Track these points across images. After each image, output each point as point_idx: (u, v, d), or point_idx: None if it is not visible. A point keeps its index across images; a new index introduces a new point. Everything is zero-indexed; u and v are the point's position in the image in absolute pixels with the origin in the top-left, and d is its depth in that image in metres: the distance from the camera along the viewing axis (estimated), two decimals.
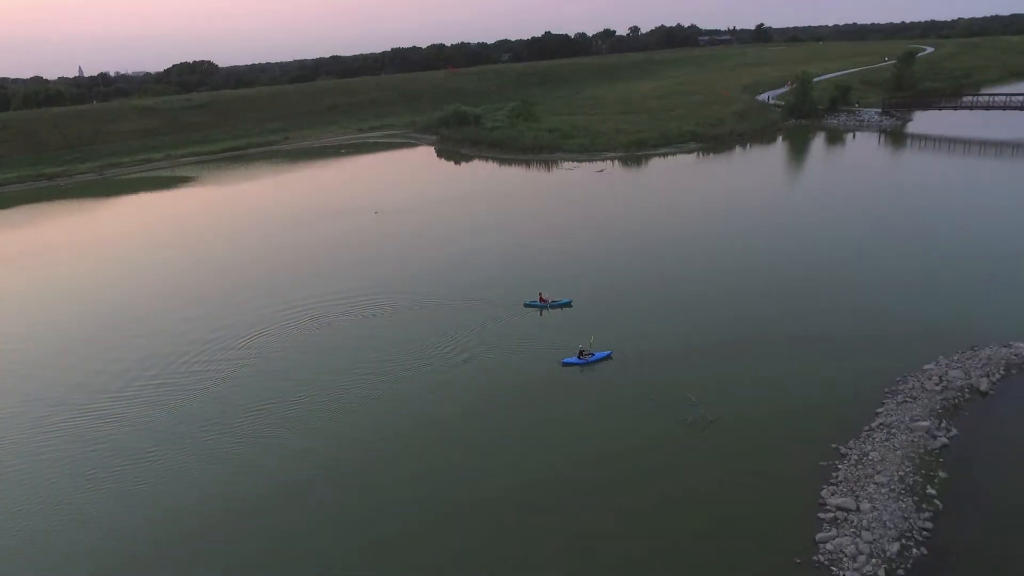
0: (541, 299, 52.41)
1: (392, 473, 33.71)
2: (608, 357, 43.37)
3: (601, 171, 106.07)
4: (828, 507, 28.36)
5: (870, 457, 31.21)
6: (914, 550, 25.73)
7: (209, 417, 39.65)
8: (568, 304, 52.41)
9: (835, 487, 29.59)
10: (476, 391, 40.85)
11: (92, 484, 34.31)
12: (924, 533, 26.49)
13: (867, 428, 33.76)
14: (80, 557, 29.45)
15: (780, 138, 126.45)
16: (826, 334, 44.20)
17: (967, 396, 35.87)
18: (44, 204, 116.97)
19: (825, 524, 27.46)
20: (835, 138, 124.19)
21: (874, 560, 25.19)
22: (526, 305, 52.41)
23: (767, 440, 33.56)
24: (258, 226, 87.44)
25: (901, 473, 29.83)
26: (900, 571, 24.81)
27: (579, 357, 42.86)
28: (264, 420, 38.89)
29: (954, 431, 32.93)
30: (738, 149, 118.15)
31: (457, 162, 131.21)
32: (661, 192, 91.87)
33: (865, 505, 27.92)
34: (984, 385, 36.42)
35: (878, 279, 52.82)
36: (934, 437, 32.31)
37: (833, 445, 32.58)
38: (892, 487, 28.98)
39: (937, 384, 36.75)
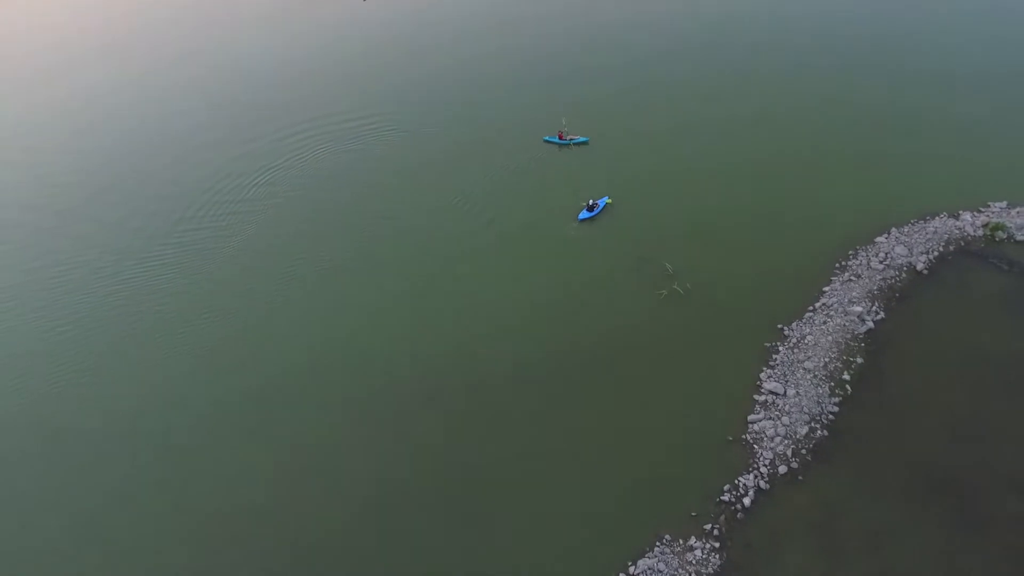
0: (560, 136, 56.24)
1: None
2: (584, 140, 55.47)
3: None
4: (762, 391, 35.79)
5: (806, 341, 37.92)
6: (819, 432, 33.83)
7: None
8: (585, 142, 56.29)
9: (772, 370, 36.73)
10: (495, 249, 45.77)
11: None
12: (830, 417, 34.40)
13: (811, 309, 39.87)
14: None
15: None
16: (796, 201, 47.55)
17: (903, 276, 41.43)
18: None
19: (757, 407, 35.15)
20: None
21: (786, 441, 33.41)
22: (545, 140, 56.70)
23: (723, 317, 39.76)
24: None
25: (826, 359, 36.84)
26: (803, 450, 33.15)
27: (588, 210, 48.81)
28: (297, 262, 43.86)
29: (881, 315, 39.21)
30: None
31: None
32: None
33: (791, 391, 35.38)
34: (921, 264, 41.75)
35: (849, 141, 53.51)
36: (863, 322, 38.71)
37: (779, 326, 38.97)
38: (816, 373, 36.20)
39: (881, 263, 42.03)
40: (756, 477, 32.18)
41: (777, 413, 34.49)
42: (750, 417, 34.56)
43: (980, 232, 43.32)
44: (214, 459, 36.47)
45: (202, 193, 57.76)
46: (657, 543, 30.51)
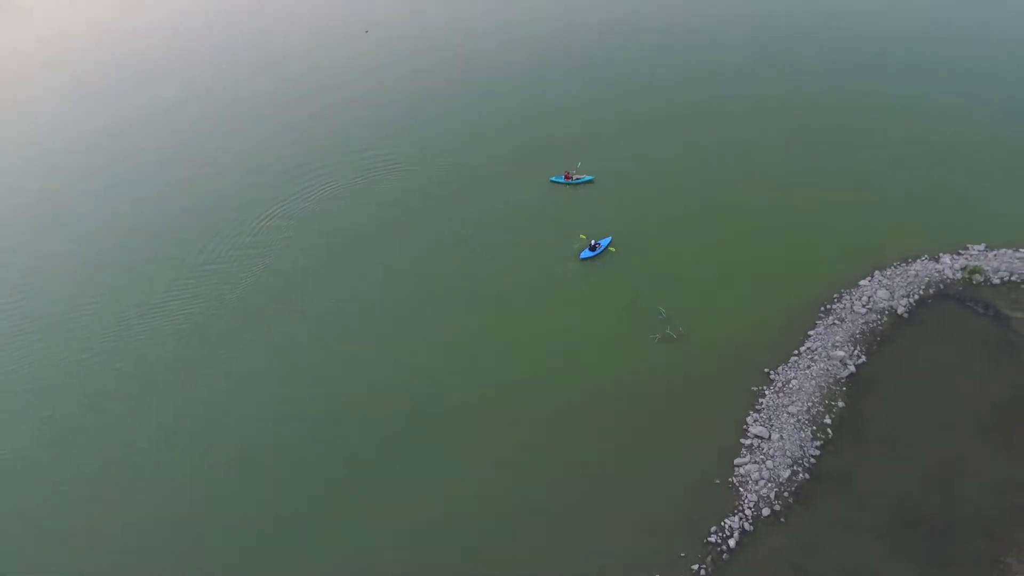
0: (567, 177, 58.85)
1: None
2: (590, 178, 59.16)
3: None
4: (749, 434, 38.11)
5: (791, 385, 40.22)
6: (800, 475, 36.13)
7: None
8: (591, 180, 59.08)
9: (758, 414, 39.03)
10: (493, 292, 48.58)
11: None
12: (811, 460, 36.68)
13: (796, 352, 42.16)
14: None
15: None
16: (785, 243, 49.93)
17: (885, 319, 43.70)
18: None
19: (743, 450, 37.46)
20: None
21: (770, 484, 35.72)
22: (552, 181, 59.27)
23: (713, 360, 42.06)
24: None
25: (809, 404, 39.13)
26: (785, 493, 35.45)
27: (590, 250, 51.45)
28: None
29: (863, 359, 41.48)
30: None
31: None
32: None
33: (775, 435, 37.68)
34: (901, 308, 44.02)
35: (835, 182, 55.86)
36: (845, 366, 40.98)
37: (766, 370, 41.28)
38: (799, 417, 38.49)
39: (864, 306, 44.31)
40: (741, 519, 34.48)
41: (762, 457, 36.80)
42: (736, 460, 36.87)
43: (959, 275, 45.52)
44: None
45: (211, 238, 60.30)
46: None
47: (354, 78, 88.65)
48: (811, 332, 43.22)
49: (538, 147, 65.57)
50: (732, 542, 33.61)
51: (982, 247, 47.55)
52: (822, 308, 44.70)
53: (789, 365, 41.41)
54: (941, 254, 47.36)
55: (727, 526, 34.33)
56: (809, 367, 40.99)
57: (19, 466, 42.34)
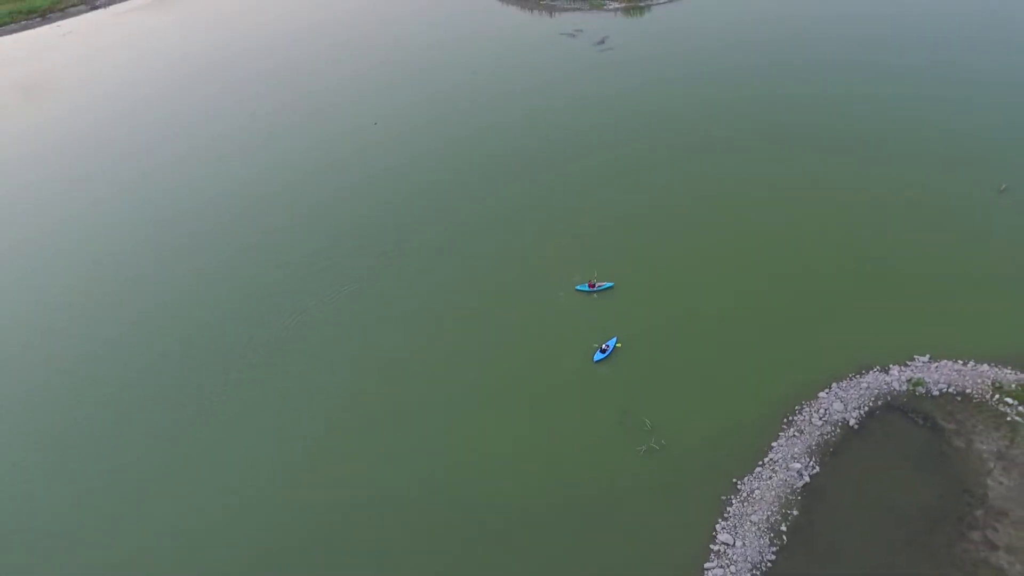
0: (591, 285, 66.45)
1: None
2: (610, 285, 66.60)
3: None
4: (717, 541, 45.87)
5: (754, 495, 47.91)
6: None
7: None
8: (611, 287, 66.63)
9: (725, 522, 46.73)
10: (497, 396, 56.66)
11: None
12: (768, 565, 44.35)
13: (760, 463, 49.79)
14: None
15: None
16: (757, 353, 57.41)
17: (838, 431, 51.16)
18: None
19: (712, 555, 45.19)
20: None
21: None
22: (577, 289, 66.75)
23: (689, 473, 49.76)
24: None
25: (769, 512, 46.77)
26: None
27: (601, 352, 59.30)
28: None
29: (816, 469, 49.02)
30: None
31: None
32: None
33: (739, 543, 45.41)
34: (853, 420, 51.51)
35: (805, 291, 63.31)
36: (801, 476, 48.58)
37: (733, 479, 49.00)
38: (760, 525, 46.18)
39: (820, 419, 51.88)
40: None
41: (727, 562, 44.58)
42: (706, 565, 44.64)
43: (905, 387, 52.94)
44: None
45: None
46: None
47: (368, 175, 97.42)
48: (774, 443, 50.82)
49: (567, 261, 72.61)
50: None
51: (927, 358, 54.79)
52: (785, 420, 52.28)
53: (754, 475, 49.06)
54: (891, 365, 54.68)
55: None
56: (771, 477, 48.66)
57: None
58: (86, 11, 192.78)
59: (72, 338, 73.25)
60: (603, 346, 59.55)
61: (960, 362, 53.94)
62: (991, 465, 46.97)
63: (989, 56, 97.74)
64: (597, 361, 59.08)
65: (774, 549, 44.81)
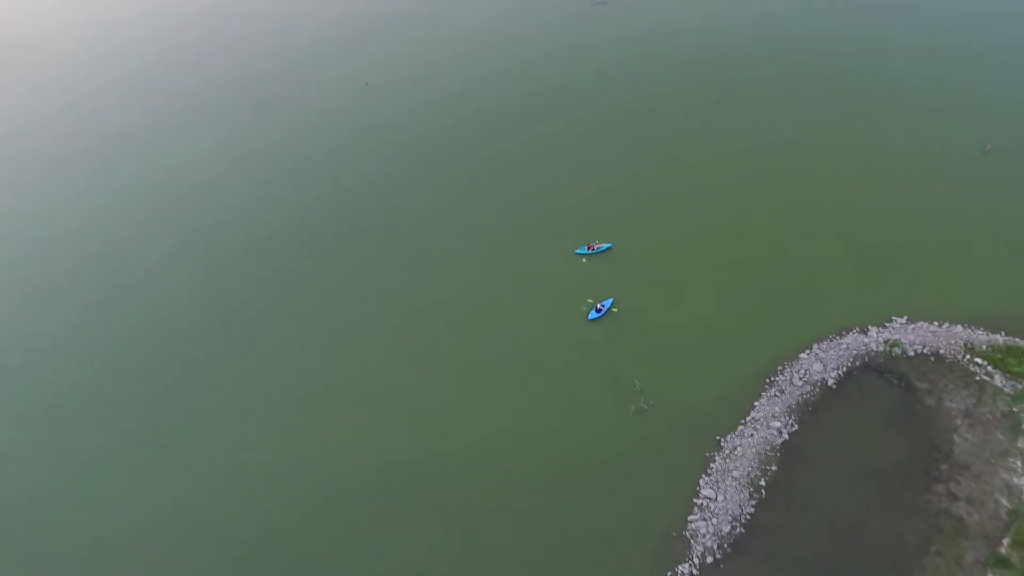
0: (589, 247, 68.23)
1: None
2: (608, 246, 68.52)
3: None
4: (700, 495, 48.94)
5: (736, 452, 50.79)
6: (738, 529, 47.08)
7: None
8: (609, 248, 68.45)
9: (709, 478, 49.72)
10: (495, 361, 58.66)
11: None
12: (747, 517, 47.54)
13: (743, 422, 52.49)
14: None
15: None
16: (744, 316, 59.47)
17: (817, 391, 53.73)
18: None
19: (696, 508, 48.33)
20: None
21: (714, 537, 46.72)
22: (577, 253, 68.46)
23: (676, 432, 52.47)
24: None
25: (749, 469, 49.76)
26: (725, 545, 46.45)
27: (596, 311, 61.55)
28: None
29: (795, 427, 51.82)
30: None
31: None
32: None
33: (721, 497, 48.49)
34: (831, 380, 54.07)
35: (793, 255, 64.87)
36: (780, 434, 51.41)
37: (717, 437, 51.79)
38: (740, 480, 49.20)
39: (801, 379, 54.41)
40: (690, 565, 45.65)
41: (709, 515, 47.73)
42: (689, 517, 47.81)
43: (882, 348, 55.37)
44: None
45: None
46: None
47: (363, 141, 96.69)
48: (756, 403, 53.42)
49: (565, 221, 73.75)
50: None
51: (904, 320, 57.07)
52: (767, 380, 54.77)
53: (737, 433, 51.83)
54: (870, 327, 56.95)
55: (680, 571, 45.52)
56: (752, 435, 51.45)
57: None
58: None
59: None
60: (598, 306, 61.27)
61: (936, 323, 56.14)
62: (958, 422, 49.82)
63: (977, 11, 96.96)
64: (592, 320, 60.80)
65: (753, 503, 47.84)
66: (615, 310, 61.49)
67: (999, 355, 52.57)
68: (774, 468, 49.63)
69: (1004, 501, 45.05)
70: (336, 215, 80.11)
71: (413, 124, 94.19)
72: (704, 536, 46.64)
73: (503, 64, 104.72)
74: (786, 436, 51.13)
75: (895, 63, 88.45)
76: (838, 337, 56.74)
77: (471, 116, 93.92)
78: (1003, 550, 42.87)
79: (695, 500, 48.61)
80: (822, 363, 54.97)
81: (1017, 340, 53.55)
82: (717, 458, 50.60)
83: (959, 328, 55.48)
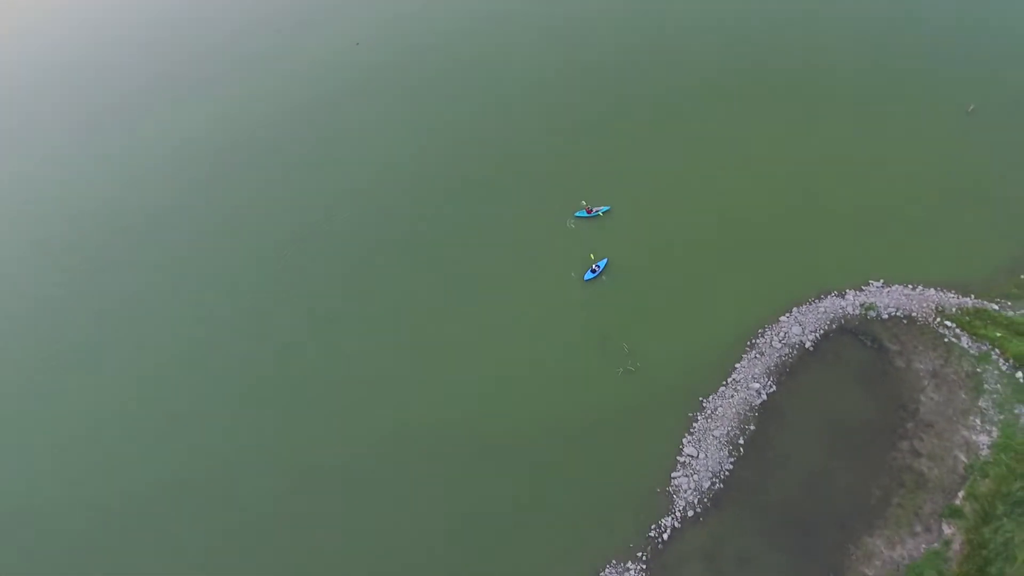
0: (588, 211, 69.32)
1: None
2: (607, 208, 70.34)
3: None
4: (683, 453, 52.22)
5: (718, 412, 53.86)
6: (717, 484, 50.61)
7: None
8: (608, 210, 69.73)
9: (691, 436, 52.92)
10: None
11: None
12: (726, 473, 51.01)
13: (724, 383, 55.38)
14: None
15: None
16: (727, 279, 61.50)
17: (795, 353, 56.53)
18: None
19: (678, 465, 51.67)
20: None
21: (695, 492, 50.26)
22: (577, 216, 69.52)
23: (661, 392, 55.31)
24: None
25: (729, 428, 52.95)
26: (705, 499, 50.04)
27: (592, 272, 63.92)
28: None
29: (773, 388, 54.81)
30: None
31: None
32: None
33: (702, 455, 51.81)
34: (809, 342, 56.80)
35: (776, 218, 66.41)
36: (759, 395, 54.43)
37: (700, 398, 54.74)
38: (720, 439, 52.45)
39: (780, 341, 57.11)
40: (672, 519, 49.28)
41: (691, 471, 51.11)
42: (672, 474, 51.18)
43: (858, 311, 57.96)
44: None
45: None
46: (607, 565, 48.06)
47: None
48: (738, 365, 56.17)
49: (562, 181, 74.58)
50: (665, 536, 48.55)
51: (880, 283, 59.44)
52: (748, 343, 57.38)
53: (718, 394, 54.76)
54: (848, 290, 59.34)
55: (663, 524, 49.15)
56: (732, 396, 54.42)
57: None
58: None
59: None
60: (594, 266, 63.20)
61: (910, 287, 58.56)
62: (925, 383, 52.99)
63: None
64: (588, 280, 62.80)
65: (732, 460, 51.20)
66: (607, 266, 63.17)
67: (967, 318, 55.33)
68: (753, 427, 52.76)
69: (962, 457, 48.65)
70: (335, 178, 79.92)
71: (405, 79, 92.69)
72: (686, 492, 50.04)
73: (501, 24, 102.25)
74: (765, 397, 54.07)
75: (876, 28, 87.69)
76: (817, 300, 59.08)
77: (468, 81, 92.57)
78: (958, 502, 46.67)
79: (678, 458, 51.81)
80: (800, 326, 57.48)
81: (985, 303, 56.20)
82: (700, 418, 53.60)
83: (932, 292, 57.93)
